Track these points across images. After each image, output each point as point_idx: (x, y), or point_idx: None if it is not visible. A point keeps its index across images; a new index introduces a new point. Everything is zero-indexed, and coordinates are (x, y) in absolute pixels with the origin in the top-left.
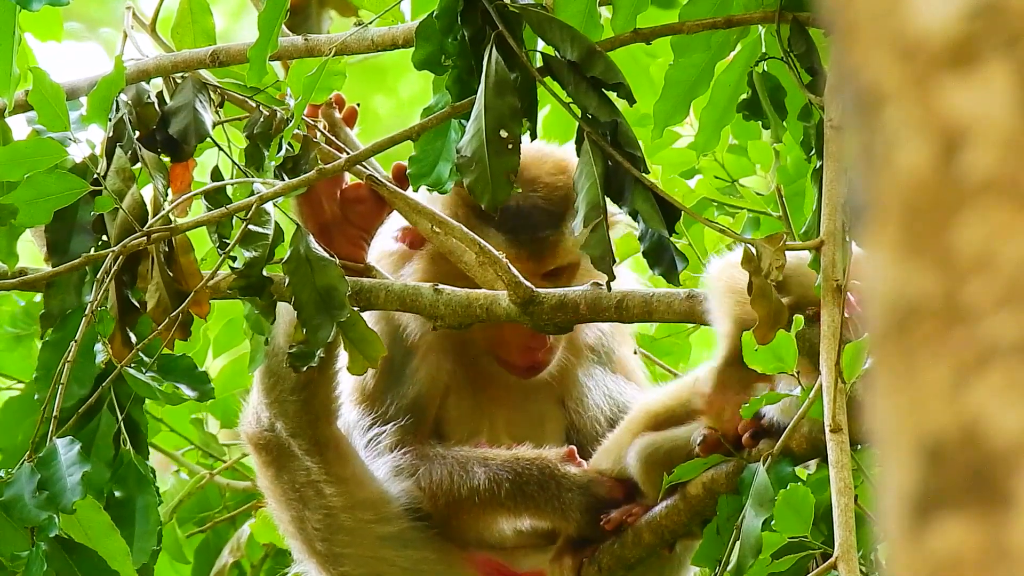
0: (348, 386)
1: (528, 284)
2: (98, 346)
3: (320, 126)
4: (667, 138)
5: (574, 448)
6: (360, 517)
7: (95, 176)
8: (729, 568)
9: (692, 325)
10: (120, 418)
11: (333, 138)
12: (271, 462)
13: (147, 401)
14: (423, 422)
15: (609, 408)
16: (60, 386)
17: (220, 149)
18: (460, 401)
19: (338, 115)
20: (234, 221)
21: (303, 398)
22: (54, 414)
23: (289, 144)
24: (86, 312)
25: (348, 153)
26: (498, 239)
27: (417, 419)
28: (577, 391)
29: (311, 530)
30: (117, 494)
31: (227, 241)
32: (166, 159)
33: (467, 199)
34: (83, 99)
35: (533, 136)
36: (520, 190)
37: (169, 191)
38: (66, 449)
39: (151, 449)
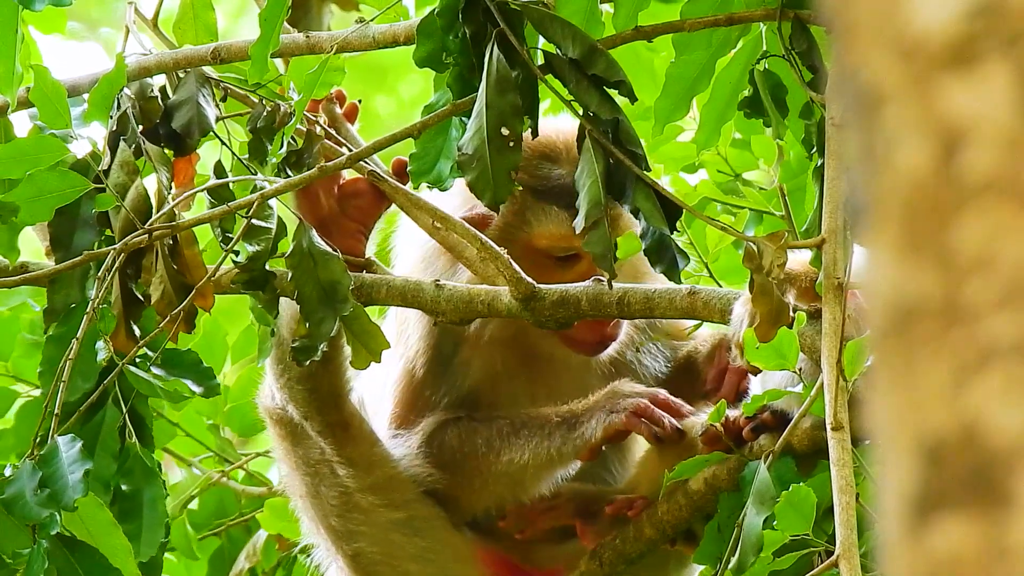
0: (394, 375)
1: (530, 280)
2: (99, 343)
3: (321, 121)
4: (669, 132)
5: None
6: (371, 500)
7: (96, 174)
8: (731, 566)
9: (694, 322)
10: (125, 411)
11: (334, 133)
12: (286, 435)
13: (165, 407)
14: (475, 410)
15: (662, 373)
16: (62, 383)
17: (223, 143)
18: (506, 386)
19: (339, 111)
20: (236, 216)
21: (310, 387)
22: (55, 411)
23: (292, 139)
24: (87, 309)
25: (348, 149)
26: (560, 216)
27: (469, 408)
28: (627, 361)
29: (327, 505)
30: (124, 487)
31: (230, 236)
32: (169, 153)
33: (523, 179)
34: (85, 96)
35: (535, 134)
36: (565, 170)
37: (172, 185)
38: (67, 447)
39: (165, 453)
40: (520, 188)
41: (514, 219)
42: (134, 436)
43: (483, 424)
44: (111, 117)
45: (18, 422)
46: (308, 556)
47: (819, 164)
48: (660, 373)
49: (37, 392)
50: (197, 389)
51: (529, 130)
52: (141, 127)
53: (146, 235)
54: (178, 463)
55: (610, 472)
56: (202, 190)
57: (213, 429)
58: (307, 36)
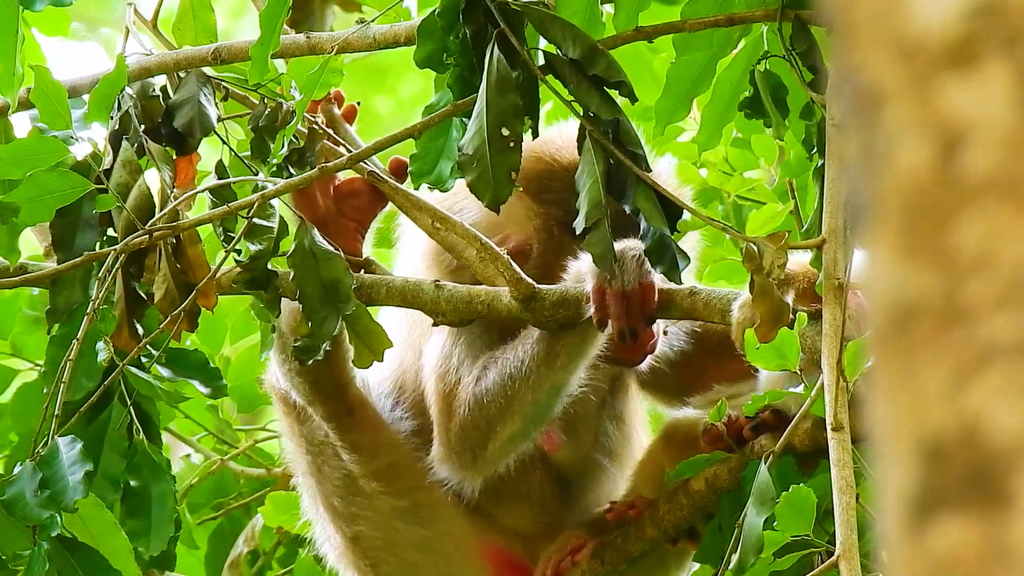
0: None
1: (530, 280)
2: (99, 344)
3: (319, 122)
4: (670, 132)
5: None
6: (374, 486)
7: (98, 174)
8: (731, 567)
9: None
10: (130, 405)
11: (332, 133)
12: (290, 412)
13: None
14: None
15: (673, 347)
16: (62, 384)
17: (224, 143)
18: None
19: (337, 111)
20: (237, 216)
21: (311, 380)
22: (56, 412)
23: (293, 137)
24: (88, 310)
25: (347, 149)
26: None
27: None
28: None
29: (330, 486)
30: (133, 483)
31: (232, 235)
32: (171, 152)
33: (557, 215)
34: (85, 97)
35: (535, 134)
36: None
37: (175, 184)
38: (68, 448)
39: (165, 432)
40: (556, 224)
41: (553, 257)
42: (142, 433)
43: (492, 363)
44: (111, 117)
45: (16, 402)
46: (308, 549)
47: (819, 164)
48: (672, 347)
49: (36, 370)
50: (204, 390)
51: (530, 131)
52: (143, 126)
53: (146, 236)
54: (188, 446)
55: (607, 437)
56: (204, 190)
57: (212, 410)
58: (308, 37)
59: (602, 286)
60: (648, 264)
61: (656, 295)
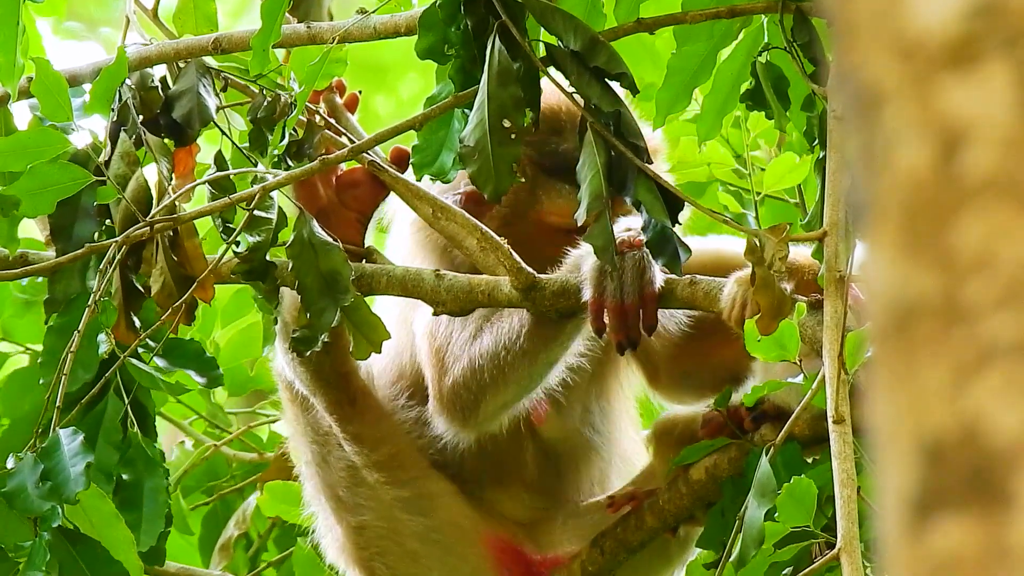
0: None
1: (530, 270)
2: (101, 336)
3: (321, 111)
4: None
5: None
6: (376, 476)
7: (97, 165)
8: (731, 559)
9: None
10: (127, 401)
11: (334, 123)
12: (295, 400)
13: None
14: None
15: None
16: (63, 376)
17: (224, 134)
18: None
19: (339, 100)
20: (237, 207)
21: (313, 369)
22: (57, 404)
23: (293, 129)
24: (88, 302)
25: (349, 139)
26: (572, 193)
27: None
28: None
29: (335, 476)
30: (125, 477)
31: (231, 226)
32: (170, 143)
33: (530, 155)
34: (85, 87)
35: (536, 126)
36: (571, 143)
37: (173, 176)
38: (69, 439)
39: (158, 417)
40: (528, 164)
41: (525, 196)
42: (136, 426)
43: (488, 327)
44: (112, 110)
45: (8, 387)
46: (304, 538)
47: (821, 157)
48: (668, 329)
49: (27, 353)
50: (200, 380)
51: (530, 122)
52: (141, 117)
53: (147, 228)
54: (179, 430)
55: (593, 411)
56: (204, 182)
57: (204, 393)
58: (308, 27)
59: (599, 299)
60: (651, 270)
61: (657, 305)
